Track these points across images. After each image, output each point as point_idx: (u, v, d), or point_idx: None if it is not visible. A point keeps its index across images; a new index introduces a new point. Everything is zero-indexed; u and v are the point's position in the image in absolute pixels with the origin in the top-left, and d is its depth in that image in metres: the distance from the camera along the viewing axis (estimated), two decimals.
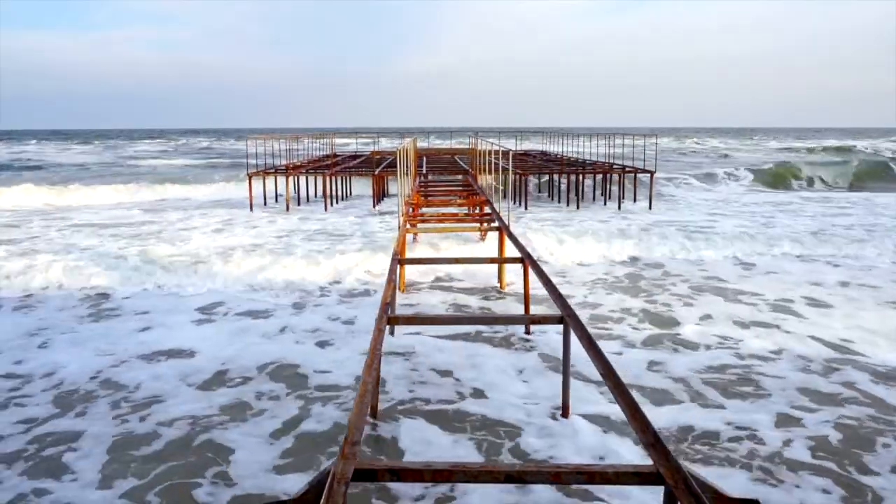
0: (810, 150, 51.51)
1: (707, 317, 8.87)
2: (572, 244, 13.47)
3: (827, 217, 18.67)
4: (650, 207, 20.52)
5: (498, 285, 10.52)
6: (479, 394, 6.28)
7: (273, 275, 11.11)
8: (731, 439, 5.34)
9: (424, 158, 28.43)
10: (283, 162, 24.72)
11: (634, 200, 22.07)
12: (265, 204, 21.44)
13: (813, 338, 7.93)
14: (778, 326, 8.42)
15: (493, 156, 14.06)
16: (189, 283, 10.82)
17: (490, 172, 15.01)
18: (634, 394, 4.66)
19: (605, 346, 6.09)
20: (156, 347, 7.71)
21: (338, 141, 40.57)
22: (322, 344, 7.89)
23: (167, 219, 18.54)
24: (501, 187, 14.03)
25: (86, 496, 4.59)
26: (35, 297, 10.15)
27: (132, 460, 5.06)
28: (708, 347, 7.63)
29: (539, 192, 26.23)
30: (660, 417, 5.65)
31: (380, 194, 21.71)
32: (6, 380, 6.75)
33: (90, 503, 4.52)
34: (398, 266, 8.15)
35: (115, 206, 22.20)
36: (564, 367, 5.65)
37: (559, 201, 22.78)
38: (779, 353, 7.41)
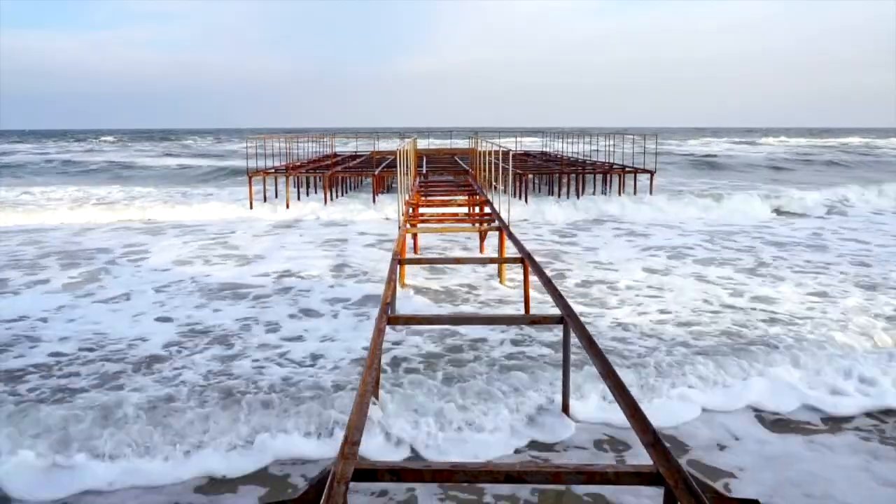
0: None
1: None
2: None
3: None
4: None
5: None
6: None
7: None
8: None
9: (424, 158, 28.44)
10: (282, 162, 24.73)
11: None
12: (265, 200, 21.31)
13: None
14: None
15: (493, 156, 14.04)
16: None
17: (490, 172, 14.98)
18: None
19: None
20: None
21: (337, 141, 40.55)
22: None
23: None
24: (502, 186, 13.93)
25: None
26: None
27: None
28: None
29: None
30: None
31: (378, 194, 21.53)
32: None
33: None
34: (398, 266, 8.16)
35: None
36: (564, 368, 5.66)
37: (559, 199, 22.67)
38: None
